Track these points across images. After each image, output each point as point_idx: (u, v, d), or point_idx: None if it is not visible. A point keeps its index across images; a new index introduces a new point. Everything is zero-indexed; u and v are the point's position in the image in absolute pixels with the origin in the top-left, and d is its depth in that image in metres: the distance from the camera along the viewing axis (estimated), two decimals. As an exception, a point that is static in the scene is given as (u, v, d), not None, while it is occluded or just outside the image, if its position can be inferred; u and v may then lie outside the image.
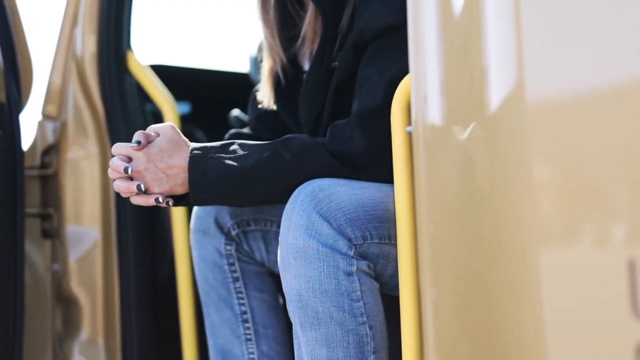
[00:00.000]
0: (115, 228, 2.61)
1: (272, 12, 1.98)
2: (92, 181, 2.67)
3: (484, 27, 1.39)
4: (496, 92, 1.39)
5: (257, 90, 2.10)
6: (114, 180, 1.82)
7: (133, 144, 1.80)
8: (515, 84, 1.34)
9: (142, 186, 1.79)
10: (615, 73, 1.24)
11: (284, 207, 1.75)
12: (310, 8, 1.92)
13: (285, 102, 2.02)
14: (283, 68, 1.99)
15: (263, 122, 2.13)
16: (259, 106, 2.09)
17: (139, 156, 1.80)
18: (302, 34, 1.95)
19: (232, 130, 2.18)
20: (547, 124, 1.31)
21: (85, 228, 2.69)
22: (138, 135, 1.81)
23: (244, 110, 2.75)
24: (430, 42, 1.50)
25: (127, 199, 1.82)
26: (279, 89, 2.02)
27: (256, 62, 2.87)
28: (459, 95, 1.46)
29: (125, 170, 1.79)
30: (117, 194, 2.58)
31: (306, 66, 2.01)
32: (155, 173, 1.79)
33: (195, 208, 2.09)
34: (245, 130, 2.18)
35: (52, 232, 2.74)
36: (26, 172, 2.61)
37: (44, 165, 2.75)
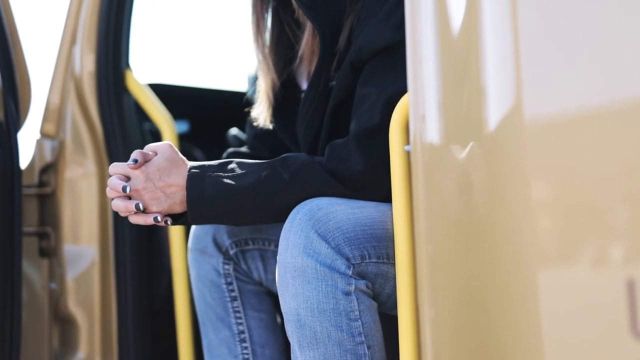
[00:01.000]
0: (113, 247, 2.61)
1: (265, 33, 1.99)
2: (89, 200, 2.66)
3: (482, 46, 1.40)
4: (494, 111, 1.39)
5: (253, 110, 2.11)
6: (112, 199, 1.81)
7: (130, 162, 1.80)
8: (514, 103, 1.34)
9: (140, 205, 1.79)
10: (612, 92, 1.24)
11: (282, 226, 1.75)
12: (308, 27, 1.92)
13: (283, 121, 2.02)
14: (274, 88, 2.00)
15: (261, 141, 2.13)
16: (256, 124, 2.09)
17: (137, 175, 1.80)
18: (299, 54, 1.96)
19: (230, 149, 2.18)
20: (545, 143, 1.31)
21: (83, 247, 2.69)
22: (135, 154, 1.81)
23: (242, 129, 2.75)
24: (428, 61, 1.50)
25: (125, 218, 1.82)
26: (277, 108, 2.02)
27: (254, 81, 2.88)
28: (457, 114, 1.46)
29: (124, 189, 1.79)
30: (115, 213, 2.58)
31: (304, 85, 2.01)
32: (153, 192, 1.79)
33: (193, 227, 2.09)
34: (244, 149, 2.18)
35: (50, 251, 2.73)
36: (24, 191, 2.61)
37: (41, 184, 2.75)
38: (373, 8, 1.81)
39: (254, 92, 2.12)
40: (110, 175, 1.83)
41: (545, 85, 1.31)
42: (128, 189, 1.79)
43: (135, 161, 1.79)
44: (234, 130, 2.78)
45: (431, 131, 1.52)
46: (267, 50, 1.98)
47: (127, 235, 2.60)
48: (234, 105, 3.16)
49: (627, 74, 1.23)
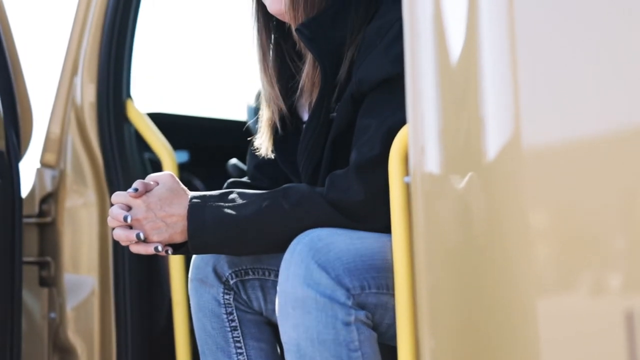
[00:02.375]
0: (113, 277, 2.61)
1: (271, 62, 2.00)
2: (90, 229, 2.66)
3: (481, 77, 1.40)
4: (493, 142, 1.39)
5: (255, 140, 2.11)
6: (114, 228, 1.82)
7: (130, 191, 1.81)
8: (512, 134, 1.35)
9: (141, 235, 1.80)
10: (610, 123, 1.25)
11: (282, 256, 1.75)
12: (309, 59, 1.93)
13: (283, 152, 2.03)
14: (282, 118, 2.00)
15: (262, 171, 2.13)
16: (257, 153, 2.09)
17: (138, 204, 1.81)
18: (300, 85, 1.96)
19: (231, 179, 2.18)
20: (543, 174, 1.31)
21: (83, 276, 2.68)
22: (137, 183, 1.82)
23: (242, 158, 2.75)
24: (428, 93, 1.51)
25: (125, 247, 1.83)
26: (278, 138, 2.03)
27: (254, 111, 2.88)
28: (457, 145, 1.47)
29: (125, 218, 1.80)
30: (115, 242, 2.58)
31: (304, 117, 2.02)
32: (154, 222, 1.80)
33: (193, 257, 2.09)
34: (244, 179, 2.18)
35: (50, 280, 2.73)
36: (24, 220, 2.60)
37: (42, 213, 2.75)
38: (373, 40, 1.82)
39: (254, 121, 2.12)
40: (112, 205, 1.84)
41: (544, 116, 1.31)
42: (129, 219, 1.80)
43: (136, 190, 1.80)
44: (233, 160, 2.79)
45: (431, 162, 1.52)
46: (273, 78, 1.99)
47: (126, 264, 2.60)
48: (234, 135, 3.17)
49: (626, 106, 1.23)
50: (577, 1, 1.30)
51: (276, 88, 1.98)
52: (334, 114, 1.88)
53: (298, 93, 1.98)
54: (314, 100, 1.91)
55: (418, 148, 1.52)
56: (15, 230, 2.45)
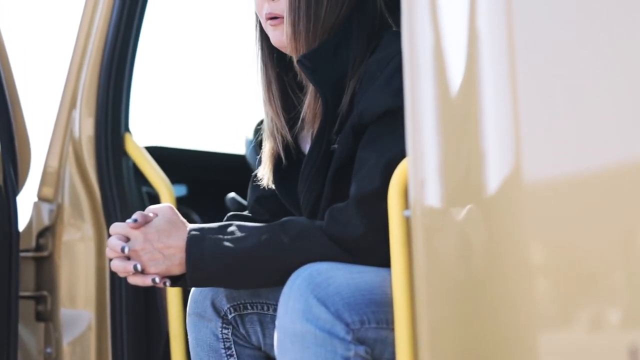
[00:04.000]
0: (110, 311, 2.60)
1: (276, 93, 2.00)
2: (87, 264, 2.66)
3: (482, 110, 1.40)
4: (494, 175, 1.39)
5: (256, 174, 2.11)
6: (112, 260, 1.82)
7: (129, 221, 1.81)
8: (513, 166, 1.35)
9: (138, 266, 1.80)
10: (611, 158, 1.25)
11: (281, 291, 1.74)
12: (310, 90, 1.93)
13: (284, 184, 2.03)
14: (285, 148, 2.00)
15: (262, 204, 2.13)
16: (259, 185, 2.09)
17: (136, 236, 1.81)
18: (301, 117, 1.97)
19: (231, 213, 2.18)
20: (544, 208, 1.31)
21: (80, 311, 2.67)
22: (136, 215, 1.82)
23: (240, 192, 2.75)
24: (427, 125, 1.51)
25: (122, 281, 1.83)
26: (279, 170, 2.03)
27: (253, 145, 2.88)
28: (457, 178, 1.47)
29: (122, 249, 1.80)
30: (112, 277, 2.57)
31: (306, 148, 2.02)
32: (151, 253, 1.80)
33: (192, 291, 2.08)
34: (245, 212, 2.18)
35: (46, 315, 2.72)
36: (21, 254, 2.60)
37: (39, 248, 2.74)
38: (375, 72, 1.83)
39: (253, 155, 2.13)
40: (110, 236, 1.84)
41: (545, 148, 1.32)
42: (126, 250, 1.80)
43: (135, 221, 1.81)
44: (232, 194, 2.79)
45: (431, 195, 1.52)
46: (278, 108, 2.00)
47: (124, 299, 2.59)
48: (232, 168, 3.17)
49: (627, 141, 1.23)
50: (577, 38, 1.30)
51: (282, 118, 1.99)
52: (335, 146, 1.88)
53: (299, 125, 1.98)
54: (315, 132, 1.91)
55: (418, 181, 1.52)
56: (11, 264, 2.44)
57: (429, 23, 1.51)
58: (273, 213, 2.08)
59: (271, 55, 2.00)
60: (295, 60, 1.94)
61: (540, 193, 1.32)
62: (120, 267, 1.81)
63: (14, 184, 2.51)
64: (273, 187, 2.05)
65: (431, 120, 1.50)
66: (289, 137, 1.99)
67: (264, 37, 1.99)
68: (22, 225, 2.71)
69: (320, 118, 1.89)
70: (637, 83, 1.22)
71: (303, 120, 1.97)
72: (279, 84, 2.00)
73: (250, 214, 2.15)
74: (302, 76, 1.98)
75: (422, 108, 1.51)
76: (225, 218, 2.13)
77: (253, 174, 2.13)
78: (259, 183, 2.06)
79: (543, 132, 1.32)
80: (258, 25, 2.01)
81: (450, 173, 1.48)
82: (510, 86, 1.36)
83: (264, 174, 2.04)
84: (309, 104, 1.93)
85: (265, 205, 2.11)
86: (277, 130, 1.99)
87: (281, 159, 2.01)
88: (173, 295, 2.54)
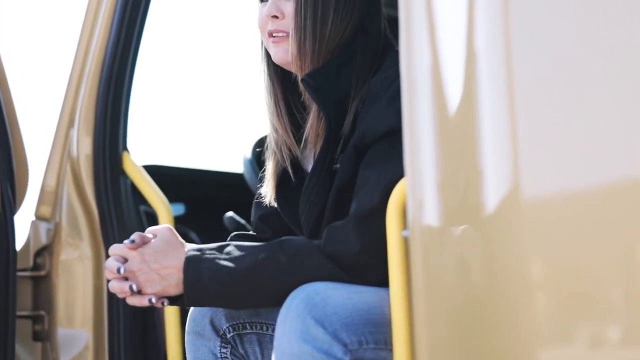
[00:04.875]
0: (107, 331, 2.59)
1: (284, 109, 2.01)
2: (84, 283, 2.65)
3: (479, 129, 1.40)
4: (492, 194, 1.39)
5: (260, 194, 2.11)
6: (109, 280, 1.82)
7: (127, 242, 1.82)
8: (511, 186, 1.35)
9: (134, 286, 1.80)
10: (610, 175, 1.25)
11: (279, 310, 1.74)
12: (314, 110, 1.94)
13: (286, 202, 2.03)
14: (293, 164, 2.00)
15: (266, 222, 2.13)
16: (262, 203, 2.09)
17: (133, 256, 1.82)
18: (304, 136, 1.97)
19: (235, 232, 2.18)
20: (543, 226, 1.31)
21: (77, 331, 2.66)
22: (134, 235, 1.83)
23: (239, 211, 2.75)
24: (425, 145, 1.51)
25: (120, 301, 1.82)
26: (281, 189, 2.03)
27: (251, 163, 2.88)
28: (455, 198, 1.46)
29: (119, 270, 1.80)
30: (110, 296, 2.57)
31: (308, 168, 2.02)
32: (148, 274, 1.80)
33: (190, 310, 2.08)
34: (249, 232, 2.19)
35: (43, 335, 2.71)
36: (18, 274, 2.59)
37: (36, 267, 2.74)
38: (378, 93, 1.83)
39: (251, 174, 2.12)
40: (109, 257, 1.84)
41: (542, 168, 1.32)
42: (122, 270, 1.81)
43: (133, 241, 1.81)
44: (230, 213, 2.78)
45: (429, 215, 1.52)
46: (288, 126, 2.00)
47: (121, 318, 2.58)
48: (231, 187, 3.17)
49: (625, 158, 1.23)
50: (576, 58, 1.30)
51: (290, 134, 1.99)
52: (338, 165, 1.88)
53: (302, 144, 1.98)
54: (317, 151, 1.91)
55: (416, 201, 1.52)
56: (9, 283, 2.44)
57: (427, 42, 1.51)
58: (277, 231, 2.08)
59: (277, 73, 2.01)
60: (299, 79, 1.94)
61: (538, 212, 1.32)
62: (117, 287, 1.82)
63: (11, 203, 2.51)
64: (276, 205, 2.05)
65: (429, 140, 1.50)
66: (298, 153, 1.99)
67: (268, 58, 2.00)
68: (19, 245, 2.70)
69: (324, 138, 1.89)
70: (633, 103, 1.23)
71: (306, 139, 1.97)
72: (284, 101, 2.01)
73: (254, 233, 2.15)
74: (305, 96, 1.98)
75: (420, 128, 1.51)
76: (228, 238, 2.13)
77: (257, 193, 2.13)
78: (262, 201, 2.06)
79: (541, 151, 1.32)
80: (263, 45, 2.02)
81: (449, 192, 1.48)
82: (507, 105, 1.36)
83: (267, 192, 2.04)
84: (312, 124, 1.94)
85: (269, 223, 2.12)
86: (285, 146, 1.99)
87: (284, 177, 2.01)
88: (171, 314, 2.54)
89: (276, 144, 2.02)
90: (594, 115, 1.27)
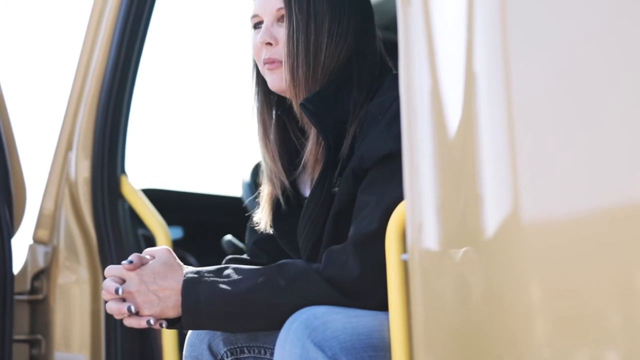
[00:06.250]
0: (105, 355, 2.58)
1: (272, 137, 2.00)
2: (82, 307, 2.64)
3: (479, 153, 1.40)
4: (491, 218, 1.39)
5: (254, 215, 2.11)
6: (106, 302, 1.81)
7: (125, 263, 1.81)
8: (510, 209, 1.35)
9: (132, 308, 1.79)
10: (610, 199, 1.24)
11: (278, 335, 1.73)
12: (312, 135, 1.94)
13: (283, 227, 2.02)
14: (284, 192, 2.00)
15: (261, 247, 2.13)
16: (256, 229, 2.09)
17: (131, 277, 1.81)
18: (303, 161, 1.97)
19: (229, 256, 2.18)
20: (542, 250, 1.31)
21: (74, 355, 2.65)
22: (132, 256, 1.82)
23: (237, 235, 2.75)
24: (425, 168, 1.50)
25: (117, 325, 1.81)
26: (278, 214, 2.02)
27: (249, 187, 2.89)
28: (454, 221, 1.46)
29: (116, 291, 1.79)
30: (107, 320, 2.56)
31: (305, 192, 2.02)
32: (146, 295, 1.79)
33: (188, 334, 2.07)
34: (244, 256, 2.18)
35: (40, 359, 2.70)
36: (16, 297, 2.59)
37: (33, 291, 2.73)
38: (375, 116, 1.83)
39: (250, 198, 2.12)
40: (106, 278, 1.83)
41: (541, 192, 1.31)
42: (120, 291, 1.80)
43: (131, 262, 1.80)
44: (228, 237, 2.78)
45: (429, 238, 1.51)
46: (275, 153, 2.00)
47: (118, 342, 2.57)
48: (229, 211, 3.17)
49: (624, 182, 1.23)
50: (576, 80, 1.30)
51: (279, 163, 1.99)
52: (336, 189, 1.88)
53: (300, 168, 1.98)
54: (316, 176, 1.91)
55: (415, 225, 1.51)
56: (5, 307, 2.43)
57: (426, 66, 1.51)
58: (272, 256, 2.08)
59: (268, 100, 2.01)
60: (295, 104, 1.94)
61: (538, 236, 1.32)
62: (114, 309, 1.80)
63: (9, 226, 2.50)
64: (271, 230, 2.04)
65: (429, 163, 1.50)
66: (286, 183, 1.99)
67: (260, 82, 2.00)
68: (17, 268, 2.70)
69: (323, 162, 1.89)
70: (633, 128, 1.23)
71: (304, 164, 1.97)
72: (278, 128, 2.00)
73: (249, 257, 2.14)
74: (303, 120, 1.98)
75: (419, 151, 1.51)
76: (223, 261, 2.12)
77: (250, 216, 2.12)
78: (256, 226, 2.06)
79: (540, 175, 1.32)
80: (255, 69, 2.01)
81: (448, 216, 1.47)
82: (507, 129, 1.36)
83: (262, 218, 2.04)
84: (311, 149, 1.93)
85: (264, 247, 2.11)
86: (274, 176, 1.99)
87: (280, 202, 2.00)
88: (168, 338, 2.53)
89: (266, 172, 2.02)
90: (594, 138, 1.27)
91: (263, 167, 2.03)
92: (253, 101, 2.01)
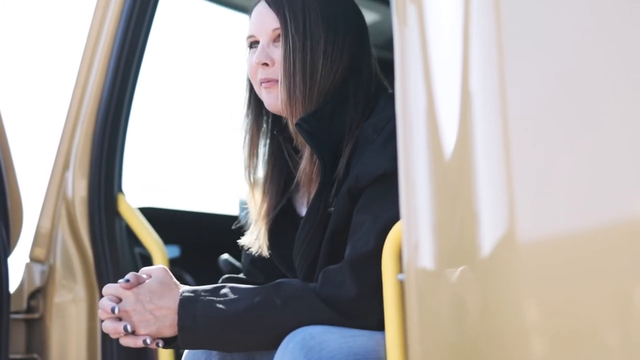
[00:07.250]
0: (101, 374, 2.57)
1: (258, 158, 2.00)
2: (78, 326, 2.64)
3: (475, 172, 1.40)
4: (487, 237, 1.39)
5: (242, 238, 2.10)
6: (103, 321, 1.81)
7: (122, 281, 1.80)
8: (506, 228, 1.34)
9: (128, 327, 1.79)
10: (605, 218, 1.24)
11: (274, 354, 1.73)
12: (306, 154, 1.94)
13: (279, 247, 2.02)
14: (269, 215, 2.00)
15: (257, 267, 2.12)
16: (252, 251, 2.08)
17: (128, 296, 1.80)
18: (297, 180, 1.97)
19: (226, 275, 2.17)
20: (538, 269, 1.30)
21: (70, 374, 2.64)
22: (129, 275, 1.82)
23: (234, 254, 2.74)
24: (421, 188, 1.50)
25: (114, 344, 1.81)
26: (273, 234, 2.02)
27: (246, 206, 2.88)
28: (451, 241, 1.46)
29: (113, 310, 1.79)
30: (104, 339, 2.55)
31: (301, 211, 2.02)
32: (142, 314, 1.79)
33: (184, 354, 2.06)
34: (241, 275, 2.18)
35: (37, 378, 2.69)
36: (12, 316, 2.58)
37: (30, 309, 2.72)
38: (370, 136, 1.83)
39: (245, 216, 2.12)
40: (102, 296, 1.83)
41: (537, 211, 1.31)
42: (117, 310, 1.79)
43: (128, 281, 1.80)
44: (225, 255, 2.77)
45: (425, 258, 1.51)
46: (264, 177, 2.00)
47: (115, 361, 2.56)
48: (226, 230, 3.16)
49: (619, 201, 1.23)
50: (571, 100, 1.30)
51: (266, 184, 1.99)
52: (332, 209, 1.88)
53: (293, 188, 1.98)
54: (311, 195, 1.91)
55: (412, 244, 1.51)
56: (2, 326, 2.42)
57: (422, 85, 1.51)
58: (268, 275, 2.08)
59: (259, 120, 2.00)
60: (290, 123, 1.94)
61: (534, 255, 1.31)
62: (110, 328, 1.80)
63: (5, 245, 2.50)
64: (266, 251, 2.04)
65: (425, 182, 1.50)
66: (272, 204, 1.99)
67: (252, 104, 2.00)
68: (13, 287, 2.69)
69: (318, 181, 1.89)
70: (631, 150, 1.23)
71: (298, 183, 1.97)
72: (275, 147, 2.00)
73: (245, 276, 2.14)
74: (297, 139, 1.98)
75: (415, 170, 1.51)
76: (220, 280, 2.12)
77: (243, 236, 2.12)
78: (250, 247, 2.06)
79: (536, 194, 1.32)
80: (248, 90, 2.02)
81: (444, 236, 1.47)
82: (503, 148, 1.36)
83: (253, 240, 2.04)
84: (305, 168, 1.93)
85: (261, 267, 2.11)
86: (262, 196, 1.99)
87: (274, 222, 2.00)
88: (165, 357, 2.52)
89: (259, 191, 2.02)
90: (590, 158, 1.27)
91: (248, 196, 2.02)
92: (243, 124, 2.01)
